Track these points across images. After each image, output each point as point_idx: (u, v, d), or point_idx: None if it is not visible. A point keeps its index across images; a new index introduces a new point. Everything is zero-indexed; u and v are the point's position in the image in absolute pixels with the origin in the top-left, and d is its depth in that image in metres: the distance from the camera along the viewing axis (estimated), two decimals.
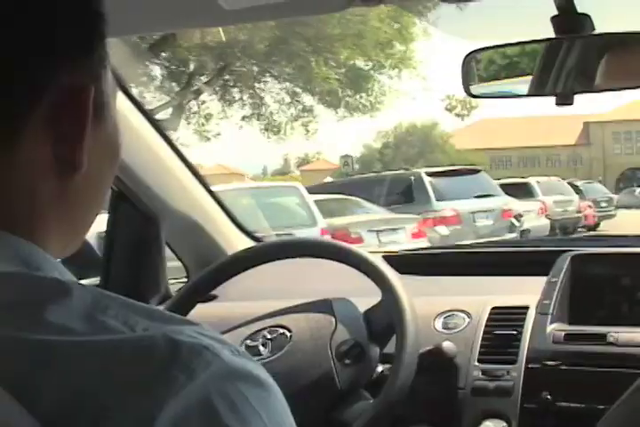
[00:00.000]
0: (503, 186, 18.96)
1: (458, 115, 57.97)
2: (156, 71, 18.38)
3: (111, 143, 0.77)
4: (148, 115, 2.16)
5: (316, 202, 12.47)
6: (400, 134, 55.98)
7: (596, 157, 59.14)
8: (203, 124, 21.12)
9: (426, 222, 12.90)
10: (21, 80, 0.68)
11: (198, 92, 19.76)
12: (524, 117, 55.95)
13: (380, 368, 1.79)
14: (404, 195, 14.42)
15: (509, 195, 17.22)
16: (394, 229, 11.94)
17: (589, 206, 22.62)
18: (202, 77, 19.61)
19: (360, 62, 20.26)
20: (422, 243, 11.26)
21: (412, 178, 14.50)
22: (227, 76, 19.53)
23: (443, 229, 13.18)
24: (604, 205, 25.86)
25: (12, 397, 0.57)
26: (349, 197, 13.67)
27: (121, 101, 2.00)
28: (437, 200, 13.78)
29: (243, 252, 2.07)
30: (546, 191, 20.29)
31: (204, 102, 20.82)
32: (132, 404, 0.58)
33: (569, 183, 25.22)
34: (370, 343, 1.77)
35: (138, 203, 2.23)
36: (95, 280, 2.36)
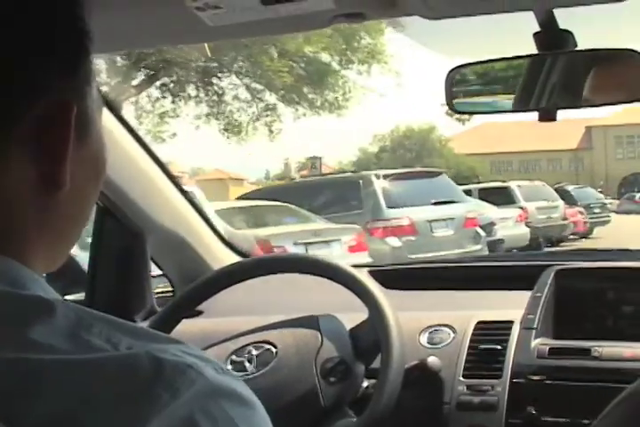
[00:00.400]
0: (482, 191, 19.34)
1: (459, 119, 57.49)
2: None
3: (96, 160, 0.77)
4: (132, 130, 2.16)
5: (241, 209, 11.44)
6: (397, 138, 55.58)
7: (597, 161, 58.63)
8: (158, 124, 19.77)
9: (375, 232, 11.73)
10: (3, 98, 0.68)
11: (140, 88, 18.46)
12: (526, 122, 53.93)
13: (365, 384, 1.78)
14: (350, 201, 12.55)
15: (487, 201, 17.02)
16: (327, 242, 10.51)
17: (580, 213, 22.02)
18: (143, 71, 18.13)
19: (325, 56, 19.08)
20: (362, 257, 10.05)
21: (361, 182, 12.55)
22: (177, 70, 18.09)
23: (394, 241, 11.71)
24: (597, 210, 25.24)
25: None
26: (281, 204, 12.02)
27: (106, 117, 2.00)
28: (389, 207, 12.01)
29: (228, 267, 2.07)
30: (528, 197, 19.62)
31: (157, 100, 19.56)
32: (115, 423, 0.58)
33: (559, 188, 24.80)
34: (355, 361, 1.77)
35: (123, 218, 2.23)
36: (80, 296, 2.36)
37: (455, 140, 54.36)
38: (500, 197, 18.88)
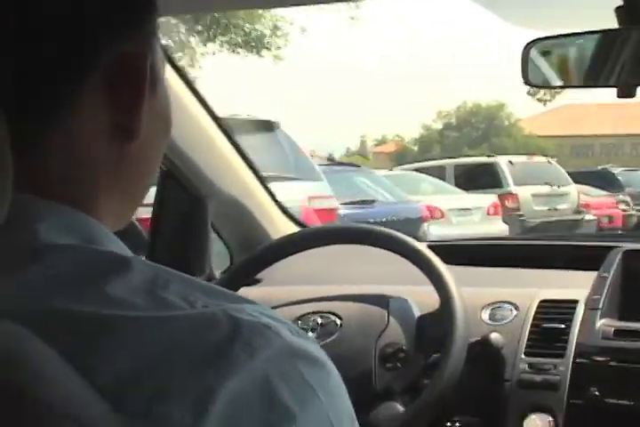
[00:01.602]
0: (460, 168, 15.58)
1: (540, 100, 56.05)
2: None
3: (163, 114, 0.78)
4: (198, 94, 2.14)
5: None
6: (463, 115, 53.66)
7: None
8: None
9: None
10: (83, 44, 0.68)
11: None
12: (609, 103, 52.01)
13: (419, 378, 1.76)
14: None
15: (465, 183, 14.57)
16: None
17: (622, 203, 17.43)
18: None
19: None
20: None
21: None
22: None
23: None
24: None
25: (72, 368, 0.56)
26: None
27: (171, 78, 1.99)
28: None
29: (288, 236, 2.07)
30: (523, 178, 14.73)
31: None
32: (192, 380, 0.58)
33: (602, 170, 21.17)
34: (416, 351, 1.76)
35: (186, 183, 2.23)
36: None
37: (534, 121, 52.61)
38: (484, 177, 14.91)
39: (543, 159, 16.35)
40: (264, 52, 18.36)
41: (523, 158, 16.10)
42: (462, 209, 12.74)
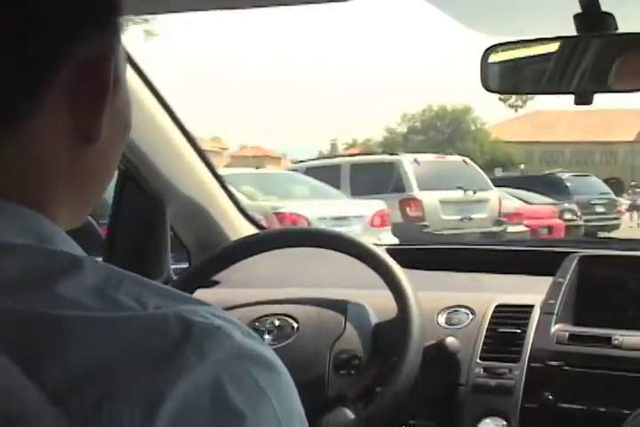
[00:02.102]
0: (355, 167, 13.29)
1: (511, 106, 55.94)
2: None
3: (123, 116, 0.77)
4: (157, 93, 2.13)
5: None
6: (428, 118, 52.67)
7: None
8: None
9: None
10: (43, 49, 0.67)
11: None
12: (582, 110, 52.17)
13: (371, 385, 1.76)
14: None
15: (355, 189, 12.54)
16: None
17: (569, 211, 16.17)
18: None
19: None
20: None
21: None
22: None
23: None
24: (600, 210, 19.15)
25: (19, 370, 0.56)
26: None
27: (130, 78, 1.98)
28: None
29: (246, 238, 2.07)
30: (430, 181, 12.60)
31: None
32: (142, 382, 0.58)
33: (549, 175, 20.50)
34: (370, 359, 1.76)
35: (144, 183, 2.21)
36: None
37: (505, 127, 52.36)
38: (384, 179, 12.76)
39: (458, 159, 14.19)
40: None
41: (431, 157, 13.99)
42: (338, 218, 10.56)
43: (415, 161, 13.07)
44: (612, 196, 20.95)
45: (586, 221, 16.87)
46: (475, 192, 13.11)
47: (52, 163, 0.70)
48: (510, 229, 13.32)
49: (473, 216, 12.98)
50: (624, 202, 25.99)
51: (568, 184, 18.97)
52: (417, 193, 12.59)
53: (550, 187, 17.71)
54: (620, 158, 56.31)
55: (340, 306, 1.85)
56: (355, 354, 1.76)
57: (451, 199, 12.77)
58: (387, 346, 1.77)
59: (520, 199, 15.32)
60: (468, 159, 14.07)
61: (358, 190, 12.62)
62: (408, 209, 12.49)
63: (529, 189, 16.46)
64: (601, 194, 20.08)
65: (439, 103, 54.17)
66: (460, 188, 12.94)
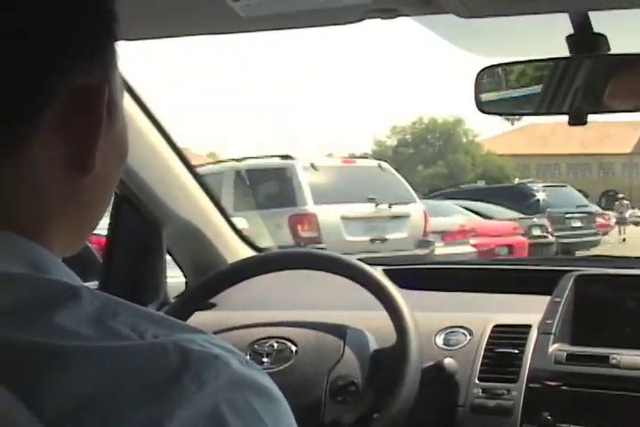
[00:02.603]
0: (243, 175, 10.89)
1: (508, 118, 55.50)
2: None
3: (120, 145, 0.77)
4: (154, 117, 2.14)
5: None
6: (418, 131, 51.70)
7: None
8: None
9: None
10: (35, 80, 0.67)
11: None
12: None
13: (369, 412, 1.75)
14: None
15: (238, 202, 10.14)
16: None
17: (538, 227, 14.50)
18: None
19: None
20: None
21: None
22: None
23: None
24: (576, 224, 16.96)
25: (18, 400, 0.56)
26: None
27: (126, 103, 1.98)
28: None
29: (243, 261, 2.07)
30: (330, 192, 10.04)
31: None
32: (141, 412, 0.58)
33: (519, 185, 18.64)
34: (368, 386, 1.76)
35: (141, 207, 2.22)
36: (93, 284, 2.35)
37: (500, 139, 51.50)
38: (274, 188, 10.60)
39: (371, 163, 11.44)
40: None
41: (335, 161, 11.49)
42: None
43: (312, 166, 10.30)
44: (592, 208, 18.88)
45: (560, 237, 15.05)
46: (390, 206, 10.44)
47: (48, 192, 0.70)
48: (450, 250, 11.10)
49: (388, 236, 10.33)
50: (612, 216, 26.02)
51: (540, 196, 16.86)
52: (311, 207, 9.98)
53: (519, 199, 16.11)
54: (618, 171, 55.70)
55: (339, 331, 1.85)
56: (352, 380, 1.75)
57: (357, 215, 10.17)
58: (385, 373, 1.76)
59: (478, 213, 13.76)
60: (384, 164, 11.33)
61: (242, 205, 10.29)
62: (299, 228, 10.04)
63: (495, 203, 14.98)
64: (578, 207, 17.51)
65: (430, 115, 53.54)
66: (371, 200, 10.28)
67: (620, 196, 31.71)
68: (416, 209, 10.78)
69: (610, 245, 19.64)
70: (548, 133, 55.21)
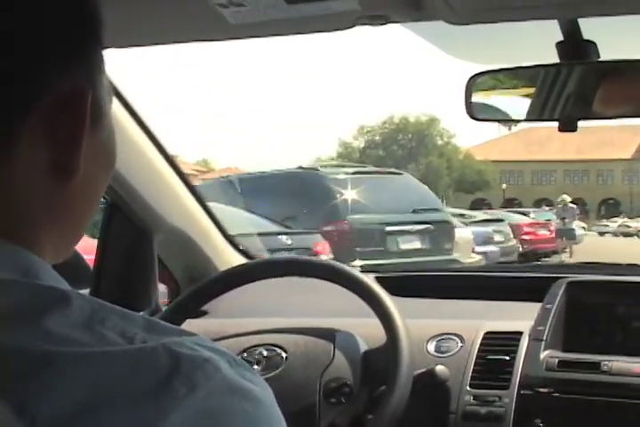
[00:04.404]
0: None
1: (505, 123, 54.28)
2: None
3: (107, 150, 0.77)
4: (144, 124, 2.14)
5: None
6: (389, 131, 48.23)
7: None
8: None
9: None
10: (17, 84, 0.67)
11: None
12: (581, 126, 48.90)
13: (364, 411, 1.75)
14: None
15: None
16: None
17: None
18: None
19: None
20: None
21: None
22: None
23: None
24: (411, 245, 9.93)
25: (9, 406, 0.56)
26: None
27: (116, 109, 1.98)
28: None
29: (234, 268, 2.07)
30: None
31: None
32: (132, 417, 0.58)
33: (311, 171, 10.89)
34: (361, 386, 1.76)
35: (131, 215, 2.22)
36: (84, 292, 2.35)
37: (496, 145, 49.62)
38: None
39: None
40: None
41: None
42: None
43: None
44: (444, 215, 11.79)
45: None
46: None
47: (35, 198, 0.70)
48: None
49: None
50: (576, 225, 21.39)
51: (348, 195, 10.42)
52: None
53: (312, 199, 10.36)
54: (617, 177, 54.20)
55: (328, 335, 1.85)
56: (345, 382, 1.76)
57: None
58: (377, 373, 1.76)
59: None
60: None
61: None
62: None
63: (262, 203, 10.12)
64: (416, 212, 10.91)
65: (401, 114, 49.82)
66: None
67: (560, 199, 21.58)
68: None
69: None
70: (543, 139, 53.98)
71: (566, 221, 20.37)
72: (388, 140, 48.63)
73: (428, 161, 45.01)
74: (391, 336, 1.73)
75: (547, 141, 53.34)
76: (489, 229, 15.94)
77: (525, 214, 20.89)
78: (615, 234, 40.45)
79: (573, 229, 20.81)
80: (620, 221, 42.07)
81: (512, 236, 17.53)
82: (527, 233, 19.97)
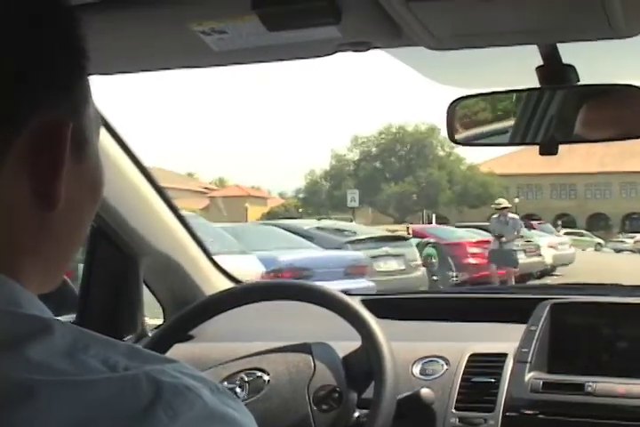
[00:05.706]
0: None
1: None
2: None
3: (93, 178, 0.77)
4: (130, 152, 2.15)
5: None
6: (385, 142, 45.58)
7: None
8: None
9: None
10: (4, 112, 0.67)
11: None
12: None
13: (356, 413, 1.77)
14: None
15: None
16: None
17: None
18: None
19: None
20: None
21: None
22: None
23: None
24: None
25: None
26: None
27: (103, 138, 1.99)
28: None
29: (220, 293, 2.07)
30: None
31: None
32: None
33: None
34: (348, 389, 1.76)
35: (117, 240, 2.22)
36: (70, 317, 2.34)
37: (514, 158, 47.51)
38: None
39: None
40: None
41: None
42: None
43: None
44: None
45: None
46: None
47: (19, 226, 0.70)
48: None
49: None
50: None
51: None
52: None
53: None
54: None
55: (304, 348, 1.87)
56: (333, 387, 1.76)
57: None
58: (360, 374, 1.78)
59: None
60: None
61: None
62: None
63: None
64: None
65: (399, 123, 46.60)
66: None
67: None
68: None
69: None
70: (563, 151, 52.57)
71: (503, 240, 14.81)
72: (386, 152, 45.94)
73: (427, 173, 42.56)
74: (376, 360, 1.74)
75: (566, 154, 51.54)
76: (362, 253, 12.37)
77: (486, 230, 16.37)
78: (633, 251, 37.93)
79: (513, 252, 15.27)
80: (638, 236, 39.86)
81: (419, 263, 14.20)
82: (474, 255, 16.10)
